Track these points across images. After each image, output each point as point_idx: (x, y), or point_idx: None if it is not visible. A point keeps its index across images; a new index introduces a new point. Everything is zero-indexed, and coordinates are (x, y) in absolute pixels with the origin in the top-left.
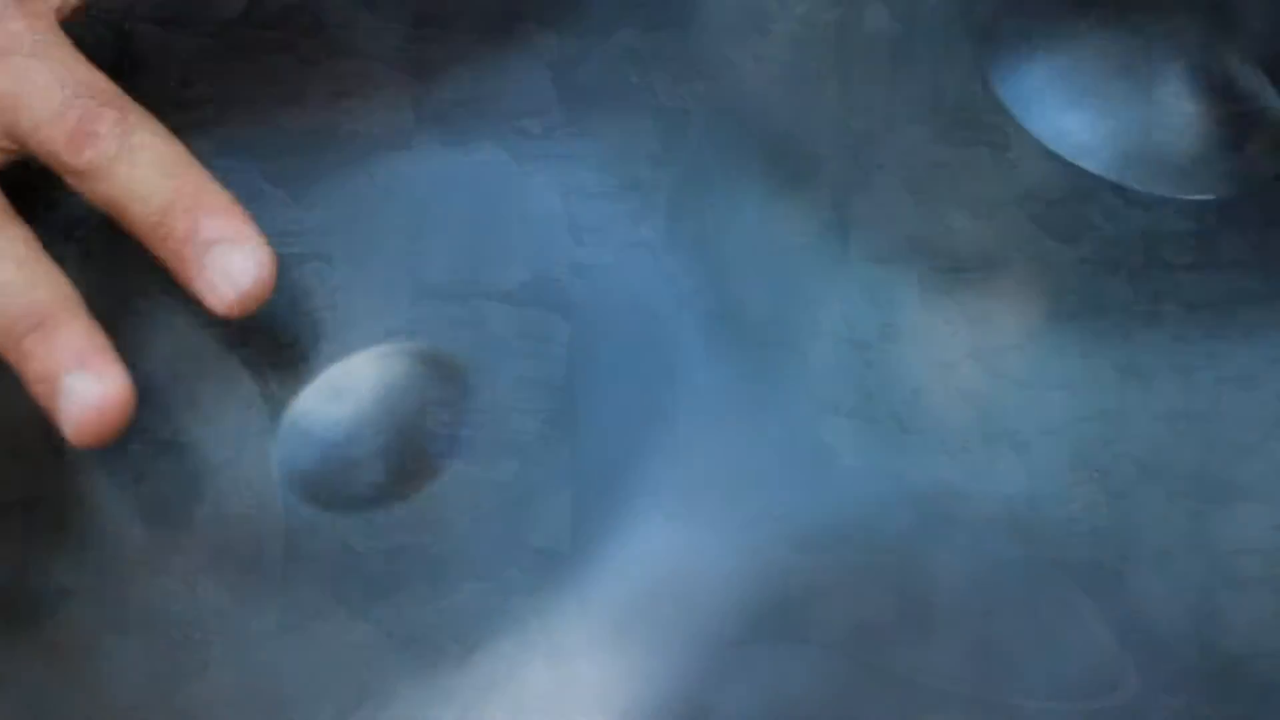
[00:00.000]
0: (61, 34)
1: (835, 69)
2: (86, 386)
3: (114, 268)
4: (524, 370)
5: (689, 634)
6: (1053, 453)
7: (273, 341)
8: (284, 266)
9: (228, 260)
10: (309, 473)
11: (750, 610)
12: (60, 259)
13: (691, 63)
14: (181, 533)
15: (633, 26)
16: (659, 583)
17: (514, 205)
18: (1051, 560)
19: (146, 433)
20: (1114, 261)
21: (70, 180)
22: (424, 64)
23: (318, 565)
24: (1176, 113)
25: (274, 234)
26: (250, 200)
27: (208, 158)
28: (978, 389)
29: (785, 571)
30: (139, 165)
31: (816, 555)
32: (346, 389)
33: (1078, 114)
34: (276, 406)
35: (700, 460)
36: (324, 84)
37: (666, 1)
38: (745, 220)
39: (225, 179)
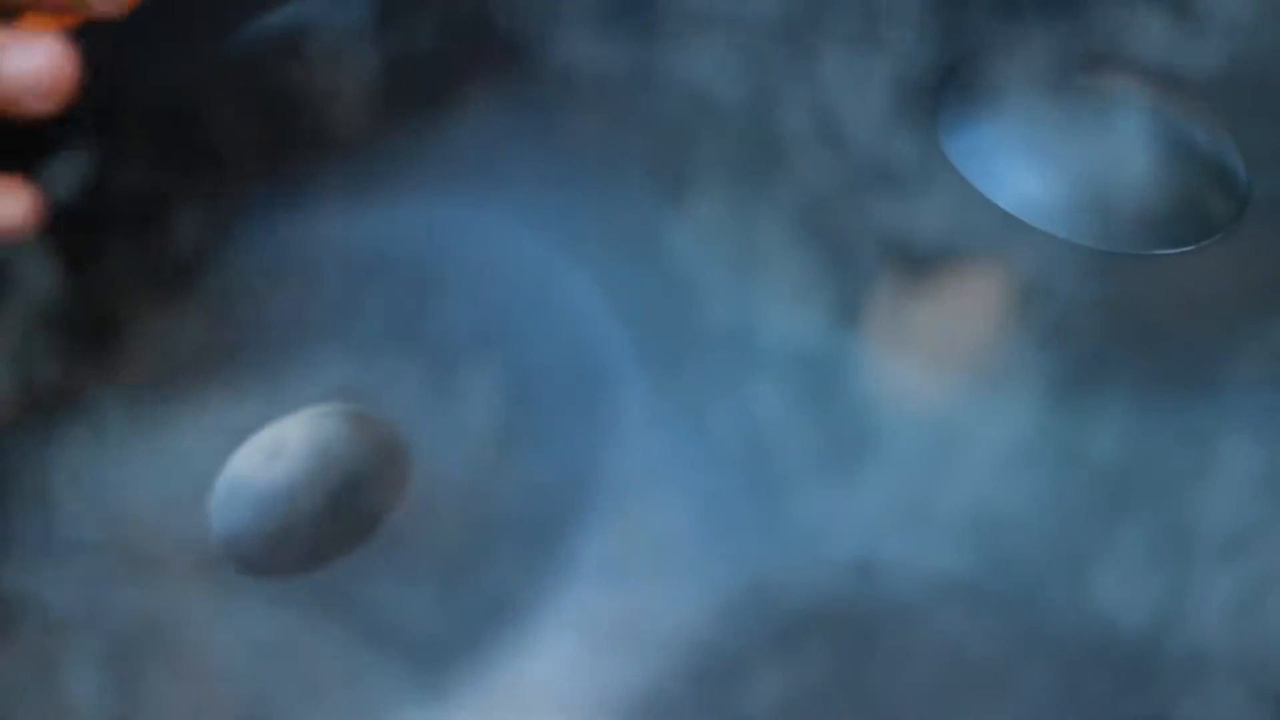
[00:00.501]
0: None
1: (784, 123)
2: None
3: (40, 332)
4: (460, 428)
5: (633, 692)
6: (1007, 515)
7: (207, 402)
8: (218, 325)
9: None
10: (244, 535)
11: (694, 669)
12: None
13: (633, 111)
14: (113, 594)
15: (572, 83)
16: (602, 640)
17: (447, 260)
18: (1006, 623)
19: (75, 488)
20: (1068, 320)
21: None
22: (354, 123)
23: (252, 629)
24: (1130, 168)
25: (215, 291)
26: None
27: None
28: (929, 449)
29: (728, 630)
30: None
31: (760, 614)
32: (281, 450)
33: (1029, 171)
34: (211, 468)
35: (643, 514)
36: (259, 141)
37: (606, 57)
38: (688, 272)
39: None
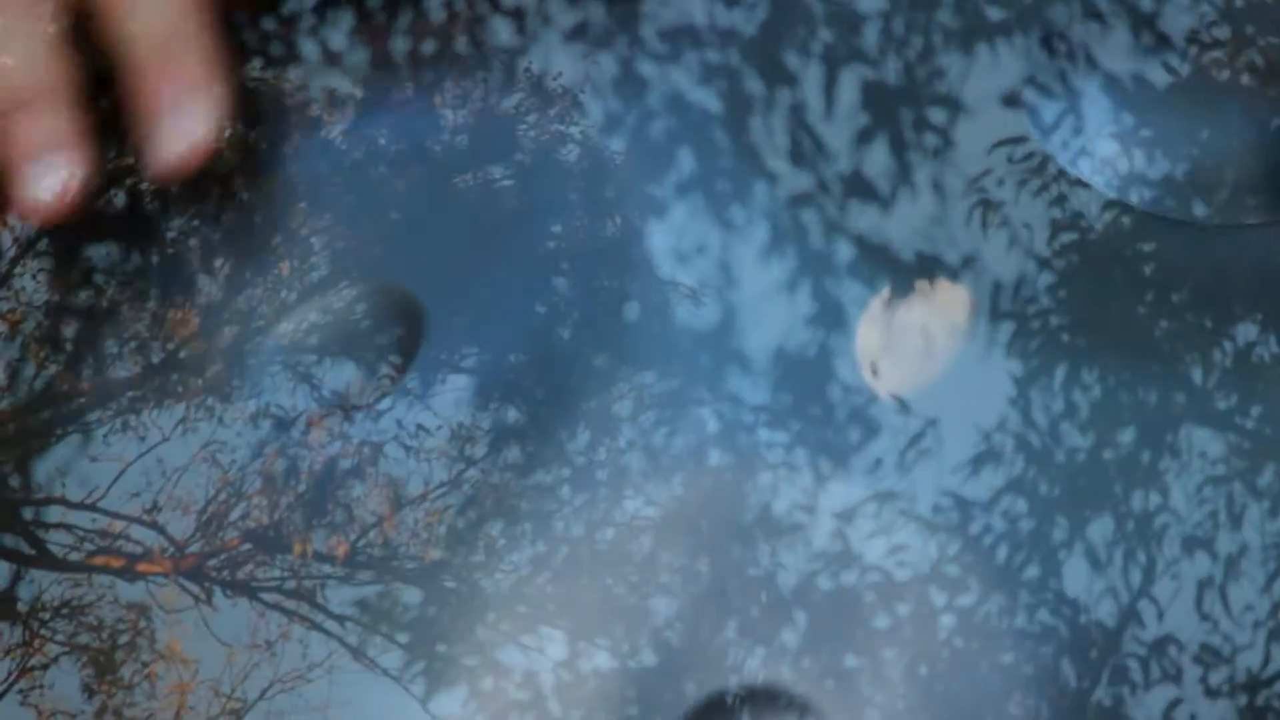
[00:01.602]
0: None
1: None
2: None
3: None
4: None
5: (623, 675)
6: (980, 502)
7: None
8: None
9: None
10: None
11: (681, 653)
12: None
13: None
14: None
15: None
16: (594, 624)
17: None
18: (978, 606)
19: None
20: (1157, 290)
21: None
22: None
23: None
24: (1220, 142)
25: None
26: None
27: None
28: (908, 438)
29: (714, 614)
30: None
31: (744, 597)
32: None
33: (1120, 147)
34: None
35: (635, 505)
36: None
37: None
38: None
39: None
